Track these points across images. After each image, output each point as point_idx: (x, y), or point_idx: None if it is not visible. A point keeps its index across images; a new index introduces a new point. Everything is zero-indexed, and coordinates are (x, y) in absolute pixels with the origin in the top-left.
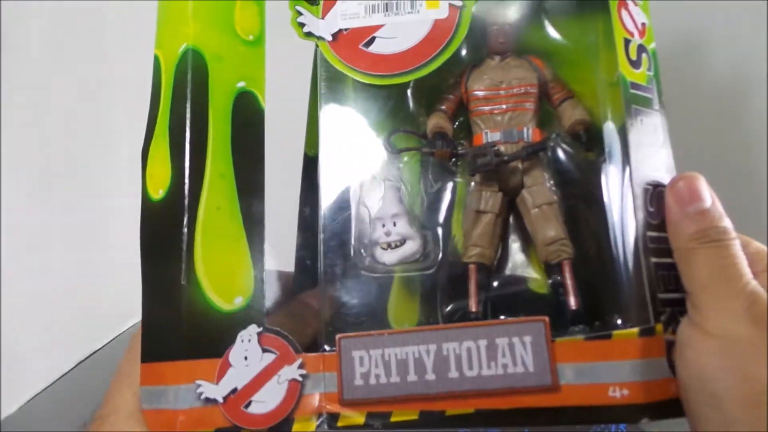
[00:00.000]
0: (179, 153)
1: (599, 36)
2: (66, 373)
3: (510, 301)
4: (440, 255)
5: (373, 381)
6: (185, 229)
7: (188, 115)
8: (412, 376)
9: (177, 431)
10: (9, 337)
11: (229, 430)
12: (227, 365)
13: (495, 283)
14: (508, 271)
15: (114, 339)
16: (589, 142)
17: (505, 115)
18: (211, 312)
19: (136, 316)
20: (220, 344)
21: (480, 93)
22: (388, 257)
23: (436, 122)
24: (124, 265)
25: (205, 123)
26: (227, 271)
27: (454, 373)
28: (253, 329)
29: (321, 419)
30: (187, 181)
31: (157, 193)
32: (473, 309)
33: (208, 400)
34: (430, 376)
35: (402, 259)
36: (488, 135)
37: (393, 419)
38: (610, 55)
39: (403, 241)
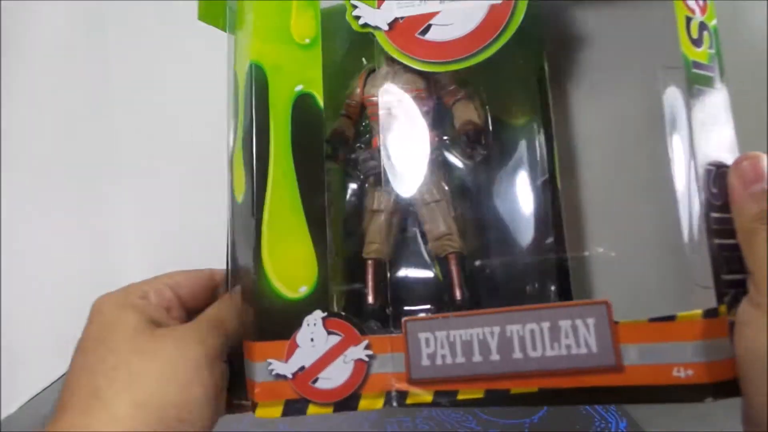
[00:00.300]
0: (249, 159)
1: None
2: (66, 373)
3: (408, 290)
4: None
5: (439, 361)
6: (254, 228)
7: (253, 125)
8: (477, 357)
9: (255, 400)
10: (9, 337)
11: (298, 402)
12: (295, 346)
13: (399, 275)
14: (406, 264)
15: None
16: (475, 143)
17: None
18: (278, 300)
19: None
20: (288, 328)
21: (374, 98)
22: None
23: (335, 128)
24: (124, 265)
25: (267, 129)
26: (292, 264)
27: (518, 354)
28: (318, 314)
29: (389, 397)
30: (254, 183)
31: (240, 196)
32: (371, 301)
33: (278, 375)
34: (495, 356)
35: None
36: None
37: (459, 397)
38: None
39: None
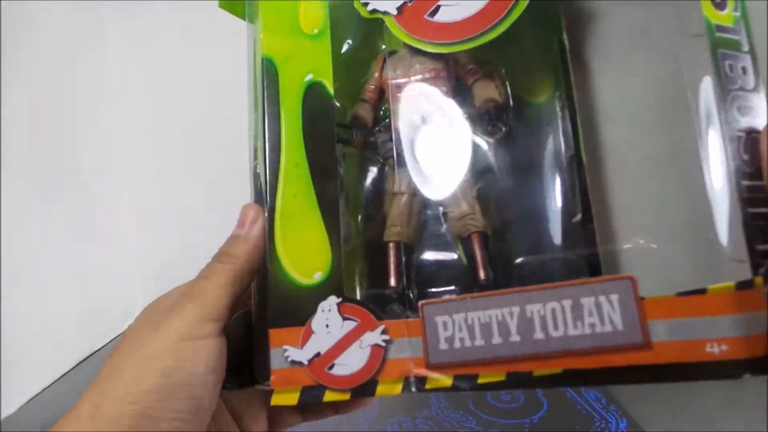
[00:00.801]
0: (263, 151)
1: None
2: (66, 373)
3: (432, 275)
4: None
5: (457, 345)
6: (267, 217)
7: (265, 117)
8: (496, 339)
9: (272, 387)
10: (9, 337)
11: (314, 388)
12: (310, 332)
13: (422, 257)
14: (429, 246)
15: (114, 339)
16: (496, 120)
17: None
18: (292, 287)
19: (136, 316)
20: (303, 314)
21: (394, 81)
22: None
23: (355, 112)
24: (124, 265)
25: (278, 120)
26: (305, 251)
27: (539, 335)
28: (332, 300)
29: (408, 382)
30: (267, 174)
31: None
32: (393, 284)
33: (294, 362)
34: (515, 338)
35: None
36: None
37: (480, 381)
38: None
39: None
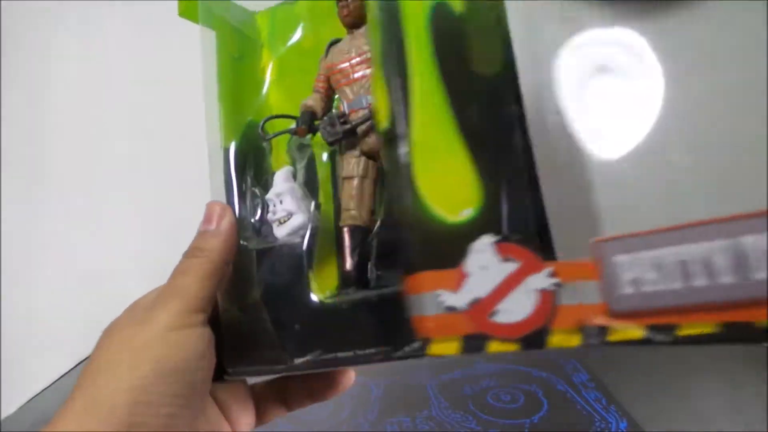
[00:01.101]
0: (389, 84)
1: None
2: (66, 373)
3: (389, 257)
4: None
5: (646, 288)
6: (403, 153)
7: (387, 46)
8: (700, 280)
9: (428, 336)
10: (9, 337)
11: (477, 337)
12: (464, 275)
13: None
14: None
15: None
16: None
17: (355, 84)
18: (439, 226)
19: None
20: (454, 255)
21: (336, 68)
22: (278, 232)
23: (304, 102)
24: (124, 265)
25: (402, 47)
26: (449, 185)
27: (760, 274)
28: (487, 239)
29: (587, 333)
30: (397, 107)
31: (383, 126)
32: (348, 268)
33: (450, 308)
34: (727, 278)
35: (290, 231)
36: (345, 105)
37: (681, 332)
38: None
39: (289, 216)
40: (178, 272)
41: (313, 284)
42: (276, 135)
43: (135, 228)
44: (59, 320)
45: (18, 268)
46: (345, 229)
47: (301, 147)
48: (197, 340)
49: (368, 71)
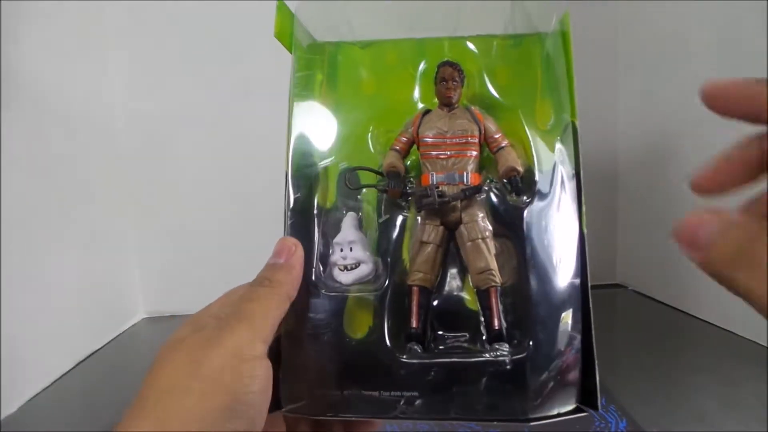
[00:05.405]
0: None
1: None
2: (66, 373)
3: (447, 318)
4: (388, 278)
5: None
6: None
7: None
8: None
9: None
10: (9, 337)
11: None
12: None
13: (435, 303)
14: (446, 293)
15: (114, 339)
16: (518, 188)
17: (449, 160)
18: None
19: (136, 316)
20: None
21: (429, 140)
22: (345, 278)
23: (390, 161)
24: (124, 265)
25: None
26: None
27: None
28: None
29: None
30: None
31: None
32: (414, 325)
33: None
34: None
35: (356, 279)
36: (434, 177)
37: None
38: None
39: (357, 264)
40: (245, 299)
41: (354, 326)
42: (363, 187)
43: (136, 230)
44: (59, 321)
45: (18, 268)
46: (414, 289)
47: (349, 194)
48: (264, 374)
49: (463, 153)
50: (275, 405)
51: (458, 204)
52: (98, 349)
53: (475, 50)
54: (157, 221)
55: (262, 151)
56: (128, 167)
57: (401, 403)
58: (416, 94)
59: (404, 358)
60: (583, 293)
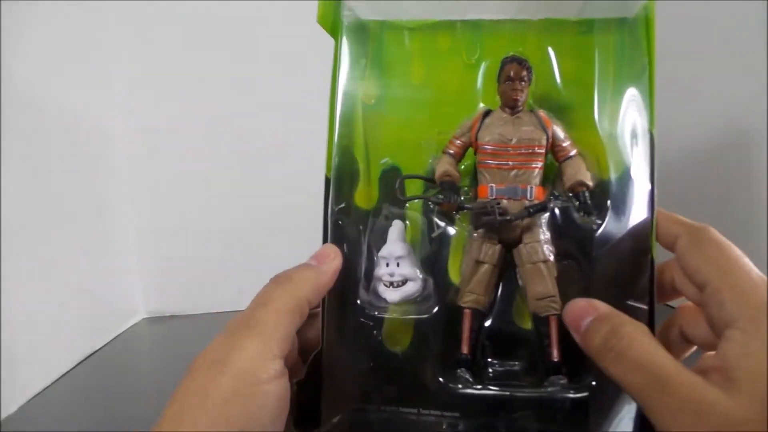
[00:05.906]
0: None
1: None
2: (66, 373)
3: (500, 342)
4: (437, 303)
5: None
6: None
7: None
8: None
9: None
10: (9, 337)
11: None
12: None
13: (487, 324)
14: (499, 317)
15: (114, 339)
16: (585, 204)
17: (511, 171)
18: None
19: (136, 316)
20: None
21: (488, 147)
22: (390, 295)
23: (445, 170)
24: (124, 265)
25: None
26: None
27: None
28: None
29: None
30: None
31: None
32: (464, 351)
33: None
34: None
35: (403, 298)
36: (494, 189)
37: None
38: None
39: (404, 281)
40: (258, 302)
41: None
42: (413, 198)
43: (136, 229)
44: (59, 320)
45: (18, 267)
46: (467, 311)
47: (395, 200)
48: (275, 400)
49: (528, 164)
50: (311, 422)
51: (520, 222)
52: (98, 349)
53: (541, 37)
54: (157, 221)
55: (263, 152)
56: (128, 167)
57: (444, 426)
58: (472, 87)
59: (451, 384)
60: (650, 320)
